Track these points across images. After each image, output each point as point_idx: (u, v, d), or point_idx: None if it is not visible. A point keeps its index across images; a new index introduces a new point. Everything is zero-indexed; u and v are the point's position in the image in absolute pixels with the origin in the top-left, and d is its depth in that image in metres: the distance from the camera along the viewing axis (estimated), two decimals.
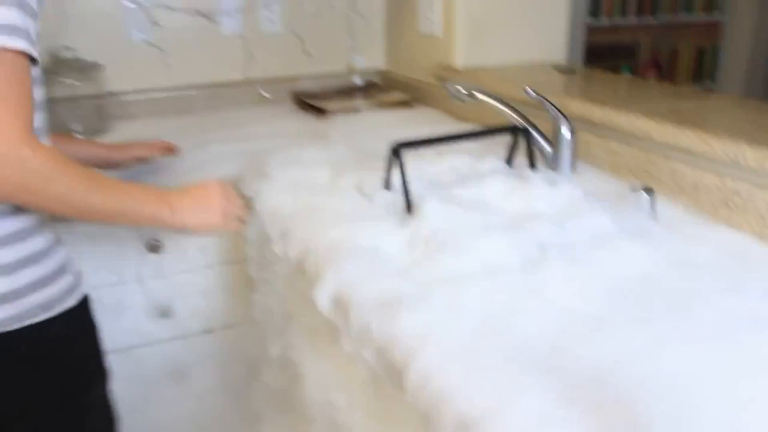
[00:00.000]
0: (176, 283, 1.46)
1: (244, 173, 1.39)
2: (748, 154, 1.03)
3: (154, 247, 1.41)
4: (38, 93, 0.93)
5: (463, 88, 1.33)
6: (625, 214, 1.03)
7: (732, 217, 1.06)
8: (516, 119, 1.27)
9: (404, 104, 1.95)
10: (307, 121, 1.87)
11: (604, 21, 2.88)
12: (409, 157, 1.13)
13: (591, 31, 2.81)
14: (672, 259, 0.92)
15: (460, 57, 1.82)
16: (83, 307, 1.04)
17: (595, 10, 2.82)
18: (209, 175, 1.35)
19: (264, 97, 2.06)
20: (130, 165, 1.42)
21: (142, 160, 1.44)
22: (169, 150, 1.48)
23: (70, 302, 1.01)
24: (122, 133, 1.77)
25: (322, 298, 0.92)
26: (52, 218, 0.99)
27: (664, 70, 3.10)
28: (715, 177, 1.09)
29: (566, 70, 1.76)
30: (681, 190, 1.14)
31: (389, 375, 0.79)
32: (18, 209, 0.93)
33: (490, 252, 0.91)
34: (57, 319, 0.98)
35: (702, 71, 3.19)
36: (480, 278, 0.86)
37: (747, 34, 3.11)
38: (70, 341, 1.02)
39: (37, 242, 0.96)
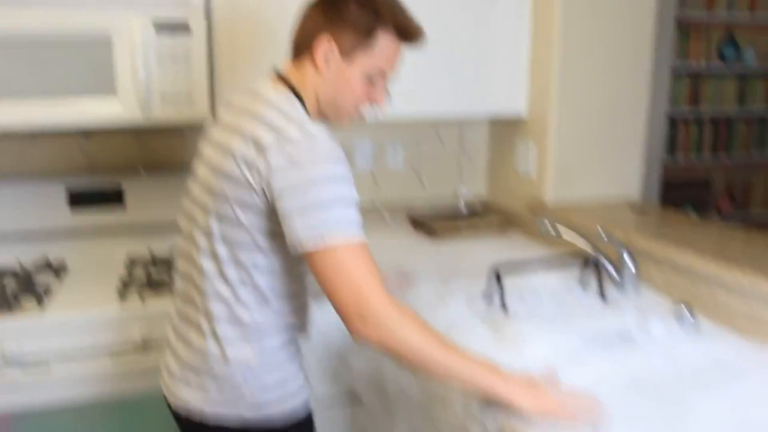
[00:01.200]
0: None
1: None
2: (765, 287, 1.36)
3: None
4: None
5: (551, 224, 1.72)
6: (665, 325, 1.37)
7: (758, 330, 1.38)
8: (591, 251, 1.64)
9: (500, 229, 2.35)
10: (419, 239, 2.30)
11: (681, 157, 3.23)
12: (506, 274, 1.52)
13: (668, 168, 3.18)
14: (694, 359, 1.25)
15: (549, 193, 2.23)
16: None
17: (672, 149, 3.19)
18: None
19: (386, 219, 2.53)
20: None
21: None
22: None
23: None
24: None
25: None
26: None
27: (738, 201, 3.38)
28: (742, 302, 1.42)
29: (638, 209, 2.12)
30: (717, 310, 1.47)
31: None
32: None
33: (559, 344, 1.28)
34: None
35: None
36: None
37: None
38: None
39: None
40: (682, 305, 1.45)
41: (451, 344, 1.10)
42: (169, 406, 1.35)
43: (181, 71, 1.88)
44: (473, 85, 2.21)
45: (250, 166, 1.15)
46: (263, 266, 1.22)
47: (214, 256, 1.23)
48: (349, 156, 2.47)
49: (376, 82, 1.27)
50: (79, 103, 1.82)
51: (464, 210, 2.60)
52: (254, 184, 1.15)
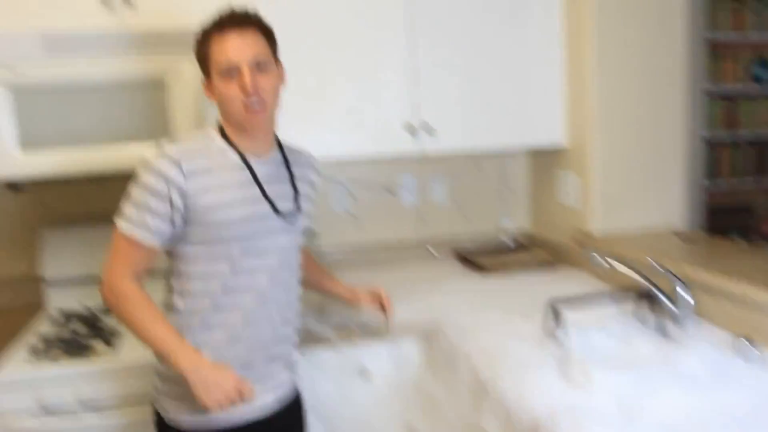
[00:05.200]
0: None
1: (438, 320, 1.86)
2: None
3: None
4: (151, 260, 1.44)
5: (601, 257, 1.75)
6: (730, 361, 1.39)
7: None
8: (645, 285, 1.66)
9: (548, 263, 2.38)
10: (468, 275, 2.34)
11: (722, 182, 3.24)
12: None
13: (710, 193, 3.18)
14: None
15: (594, 224, 2.26)
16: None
17: (712, 174, 3.20)
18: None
19: (431, 253, 2.58)
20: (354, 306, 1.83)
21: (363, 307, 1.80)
22: (383, 307, 1.77)
23: None
24: None
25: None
26: None
27: None
28: None
29: (685, 238, 2.14)
30: None
31: None
32: None
33: (625, 384, 1.30)
34: None
35: None
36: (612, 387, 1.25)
37: None
38: None
39: None
40: (744, 339, 1.46)
41: (148, 314, 1.38)
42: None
43: None
44: (510, 117, 2.26)
45: None
46: None
47: None
48: (393, 191, 2.53)
49: (233, 76, 1.40)
50: (137, 146, 1.91)
51: (509, 243, 2.64)
52: None
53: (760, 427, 1.17)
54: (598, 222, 2.26)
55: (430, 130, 2.17)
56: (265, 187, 1.46)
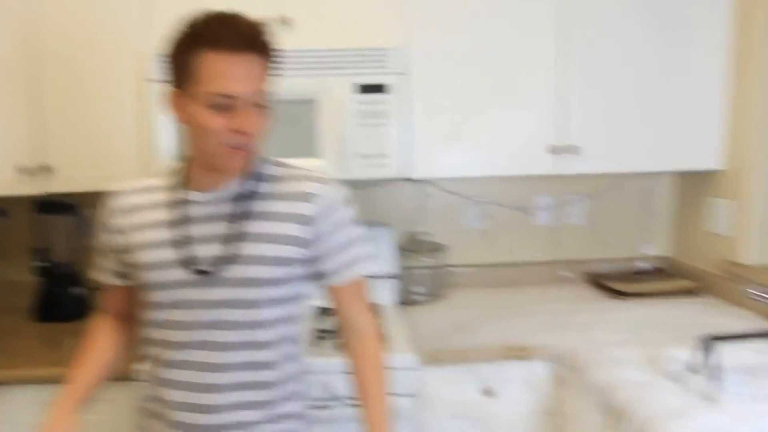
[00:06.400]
0: None
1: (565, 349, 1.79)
2: None
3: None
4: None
5: (758, 290, 1.61)
6: None
7: None
8: None
9: (689, 292, 2.23)
10: (602, 300, 2.24)
11: None
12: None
13: None
14: None
15: (749, 254, 2.08)
16: None
17: None
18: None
19: (563, 276, 2.49)
20: None
21: None
22: None
23: None
24: (453, 300, 2.29)
25: None
26: None
27: None
28: None
29: None
30: None
31: None
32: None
33: None
34: None
35: None
36: None
37: None
38: None
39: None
40: None
41: (83, 353, 1.31)
42: None
43: (378, 131, 1.99)
44: (663, 139, 2.14)
45: None
46: None
47: None
48: (527, 210, 2.47)
49: (223, 109, 1.09)
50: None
51: (648, 269, 2.50)
52: None
53: None
54: (754, 252, 2.08)
55: (575, 151, 2.10)
56: (185, 229, 1.19)
